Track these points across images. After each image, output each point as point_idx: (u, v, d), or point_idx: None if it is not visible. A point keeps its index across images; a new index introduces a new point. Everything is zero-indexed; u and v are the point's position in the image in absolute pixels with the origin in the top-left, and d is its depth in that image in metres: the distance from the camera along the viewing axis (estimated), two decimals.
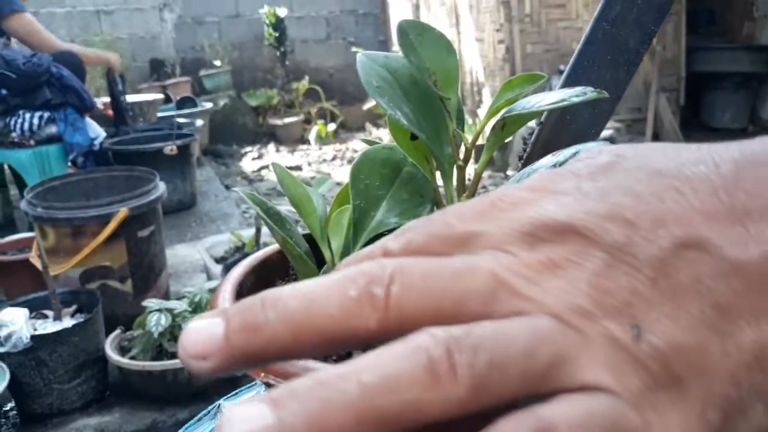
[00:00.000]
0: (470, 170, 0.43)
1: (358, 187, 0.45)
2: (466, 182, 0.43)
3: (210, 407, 0.58)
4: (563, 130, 0.41)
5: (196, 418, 0.57)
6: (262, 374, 0.33)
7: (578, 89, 0.39)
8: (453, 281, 0.19)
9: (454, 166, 0.42)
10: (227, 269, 1.81)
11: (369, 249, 0.24)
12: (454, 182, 0.43)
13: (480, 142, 0.44)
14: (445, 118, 0.43)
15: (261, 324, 0.19)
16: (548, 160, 0.40)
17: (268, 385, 0.34)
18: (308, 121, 5.45)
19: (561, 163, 0.38)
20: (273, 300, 0.20)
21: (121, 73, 3.12)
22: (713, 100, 4.51)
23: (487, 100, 4.48)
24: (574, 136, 0.40)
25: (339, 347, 0.20)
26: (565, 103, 0.37)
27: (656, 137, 3.95)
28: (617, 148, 0.23)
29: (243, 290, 0.44)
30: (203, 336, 0.20)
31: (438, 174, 0.46)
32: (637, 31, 0.38)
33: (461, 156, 0.42)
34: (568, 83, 0.40)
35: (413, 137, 0.45)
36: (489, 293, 0.19)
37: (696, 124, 4.44)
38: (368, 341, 0.19)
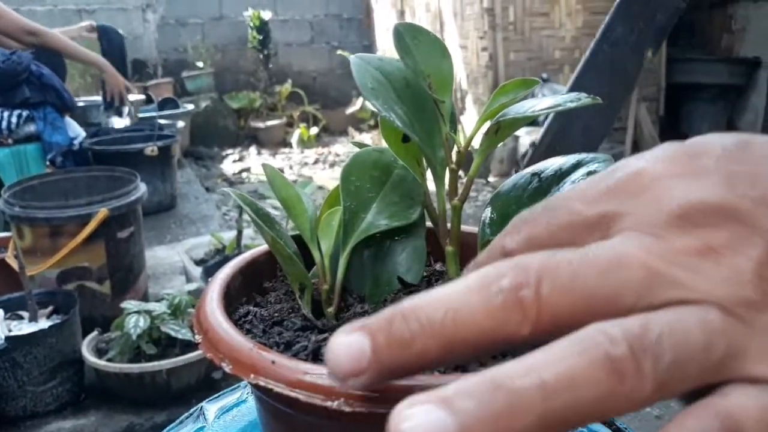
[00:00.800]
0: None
1: (348, 189, 0.45)
2: (458, 186, 0.43)
3: (192, 410, 0.57)
4: (566, 137, 0.41)
5: (177, 421, 0.56)
6: (252, 375, 0.33)
7: (572, 95, 0.39)
8: (604, 276, 0.19)
9: (447, 170, 0.42)
10: (207, 272, 1.79)
11: (485, 253, 0.24)
12: (446, 185, 0.43)
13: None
14: (438, 121, 0.42)
15: (408, 339, 0.19)
16: (552, 164, 0.40)
17: (257, 387, 0.34)
18: (290, 125, 5.43)
19: (564, 172, 0.38)
20: (414, 312, 0.19)
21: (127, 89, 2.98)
22: (692, 111, 4.58)
23: (470, 107, 4.50)
24: (575, 144, 0.40)
25: (486, 354, 0.20)
26: (560, 107, 0.37)
27: (635, 146, 4.00)
28: (733, 135, 0.22)
29: (230, 291, 0.43)
30: (351, 353, 0.20)
31: (429, 177, 0.46)
32: (637, 54, 0.38)
33: (454, 159, 0.42)
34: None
35: (405, 139, 0.45)
36: (644, 285, 0.18)
37: (675, 134, 4.50)
38: (517, 346, 0.19)
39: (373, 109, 0.42)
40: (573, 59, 4.20)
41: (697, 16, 4.75)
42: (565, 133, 0.35)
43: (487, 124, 0.41)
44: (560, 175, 0.39)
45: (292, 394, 0.31)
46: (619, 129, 4.14)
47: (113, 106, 3.01)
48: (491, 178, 3.78)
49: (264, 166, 0.43)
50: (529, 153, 0.50)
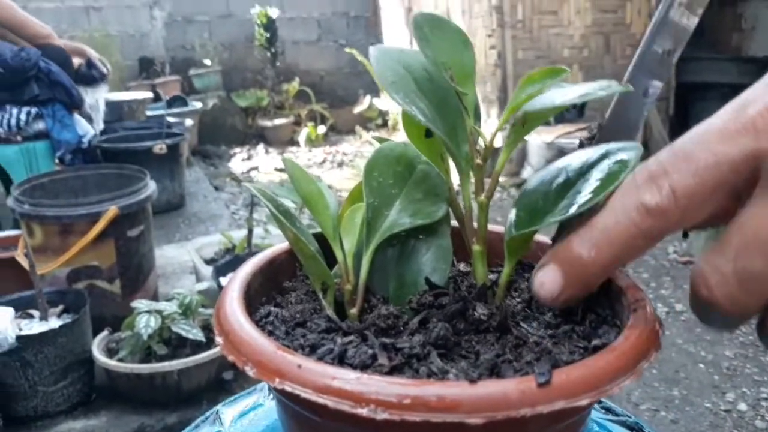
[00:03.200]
0: None
1: (371, 185, 0.44)
2: (484, 182, 0.42)
3: (208, 413, 0.56)
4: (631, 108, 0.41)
5: (193, 425, 0.55)
6: (277, 380, 0.31)
7: (603, 83, 0.37)
8: None
9: (471, 165, 0.41)
10: (218, 271, 1.78)
11: (614, 215, 0.31)
12: (472, 181, 0.41)
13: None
14: (461, 115, 0.41)
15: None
16: (578, 158, 0.38)
17: (282, 392, 0.32)
18: (298, 123, 5.42)
19: (591, 164, 0.37)
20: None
21: (100, 60, 2.89)
22: (701, 111, 4.54)
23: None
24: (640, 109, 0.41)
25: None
26: (590, 96, 0.36)
27: (645, 146, 3.96)
28: None
29: (250, 291, 0.42)
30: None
31: (453, 172, 0.45)
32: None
33: (479, 154, 0.40)
34: (637, 67, 0.40)
35: (428, 134, 0.43)
36: None
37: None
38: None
39: (393, 103, 0.40)
40: (581, 58, 4.17)
41: (707, 15, 4.72)
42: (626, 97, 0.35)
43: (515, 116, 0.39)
44: (588, 167, 0.38)
45: (320, 400, 0.29)
46: None
47: (82, 73, 2.91)
48: (500, 178, 3.76)
49: (285, 160, 0.42)
50: (610, 111, 0.48)
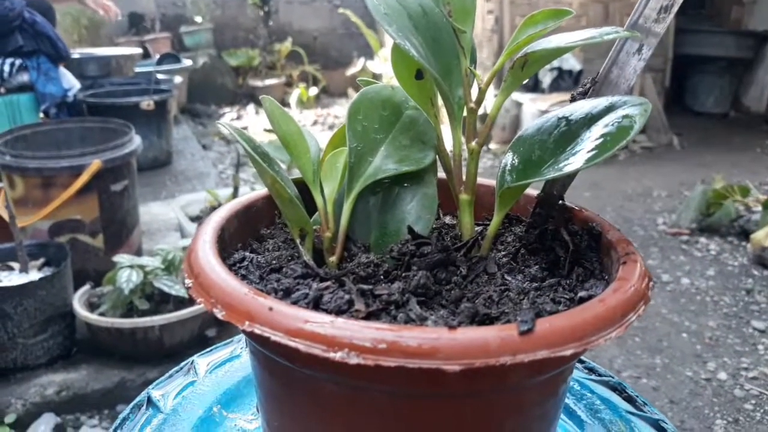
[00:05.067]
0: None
1: (355, 129, 0.41)
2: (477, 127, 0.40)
3: (183, 363, 0.54)
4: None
5: (167, 375, 0.54)
6: (246, 322, 0.30)
7: (608, 28, 0.35)
8: None
9: (464, 109, 0.39)
10: None
11: None
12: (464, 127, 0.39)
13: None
14: (456, 56, 0.39)
15: None
16: (584, 107, 0.36)
17: (252, 335, 0.31)
18: (290, 84, 5.34)
19: (594, 116, 0.35)
20: None
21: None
22: (698, 83, 4.51)
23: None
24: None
25: None
26: (595, 40, 0.34)
27: None
28: None
29: (224, 235, 0.40)
30: None
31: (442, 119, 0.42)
32: None
33: (473, 98, 0.38)
34: (632, 24, 0.38)
35: (418, 76, 0.41)
36: None
37: (680, 107, 4.44)
38: None
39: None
40: (580, 26, 4.11)
41: None
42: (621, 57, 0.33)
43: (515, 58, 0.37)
44: (591, 119, 0.36)
45: (291, 344, 0.28)
46: None
47: None
48: (493, 145, 3.73)
49: (263, 98, 0.40)
50: (591, 90, 0.44)
